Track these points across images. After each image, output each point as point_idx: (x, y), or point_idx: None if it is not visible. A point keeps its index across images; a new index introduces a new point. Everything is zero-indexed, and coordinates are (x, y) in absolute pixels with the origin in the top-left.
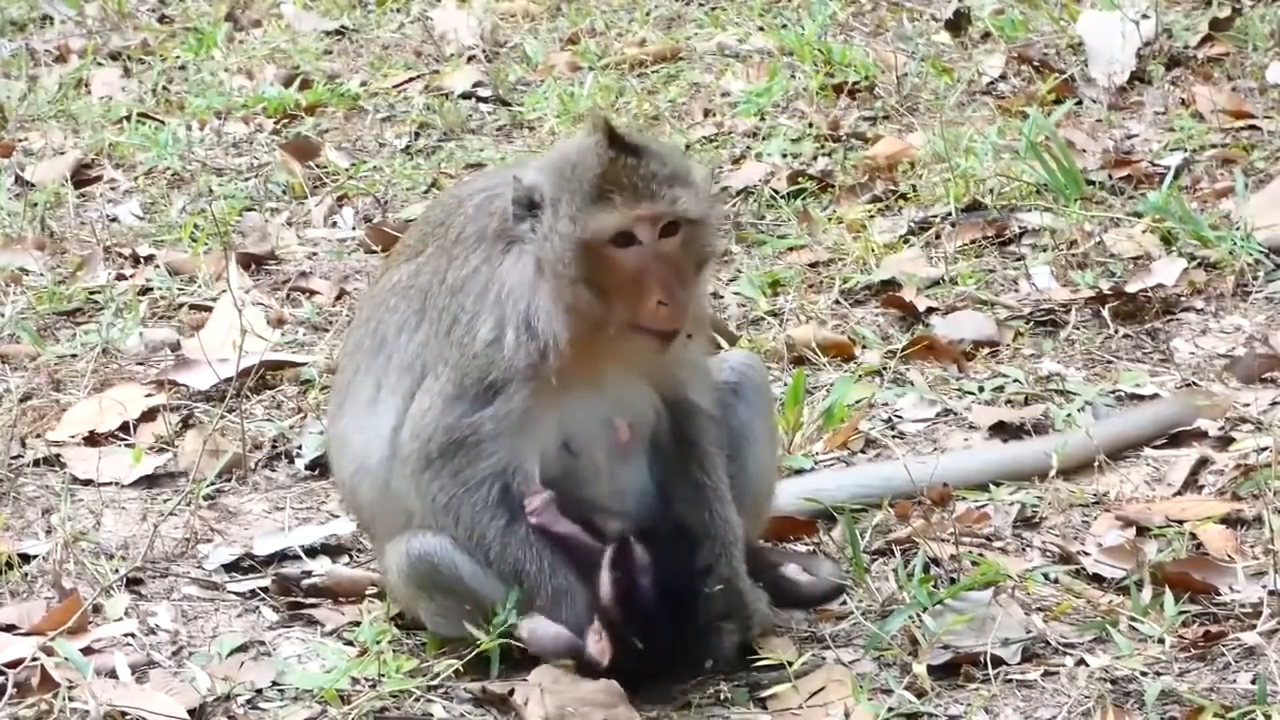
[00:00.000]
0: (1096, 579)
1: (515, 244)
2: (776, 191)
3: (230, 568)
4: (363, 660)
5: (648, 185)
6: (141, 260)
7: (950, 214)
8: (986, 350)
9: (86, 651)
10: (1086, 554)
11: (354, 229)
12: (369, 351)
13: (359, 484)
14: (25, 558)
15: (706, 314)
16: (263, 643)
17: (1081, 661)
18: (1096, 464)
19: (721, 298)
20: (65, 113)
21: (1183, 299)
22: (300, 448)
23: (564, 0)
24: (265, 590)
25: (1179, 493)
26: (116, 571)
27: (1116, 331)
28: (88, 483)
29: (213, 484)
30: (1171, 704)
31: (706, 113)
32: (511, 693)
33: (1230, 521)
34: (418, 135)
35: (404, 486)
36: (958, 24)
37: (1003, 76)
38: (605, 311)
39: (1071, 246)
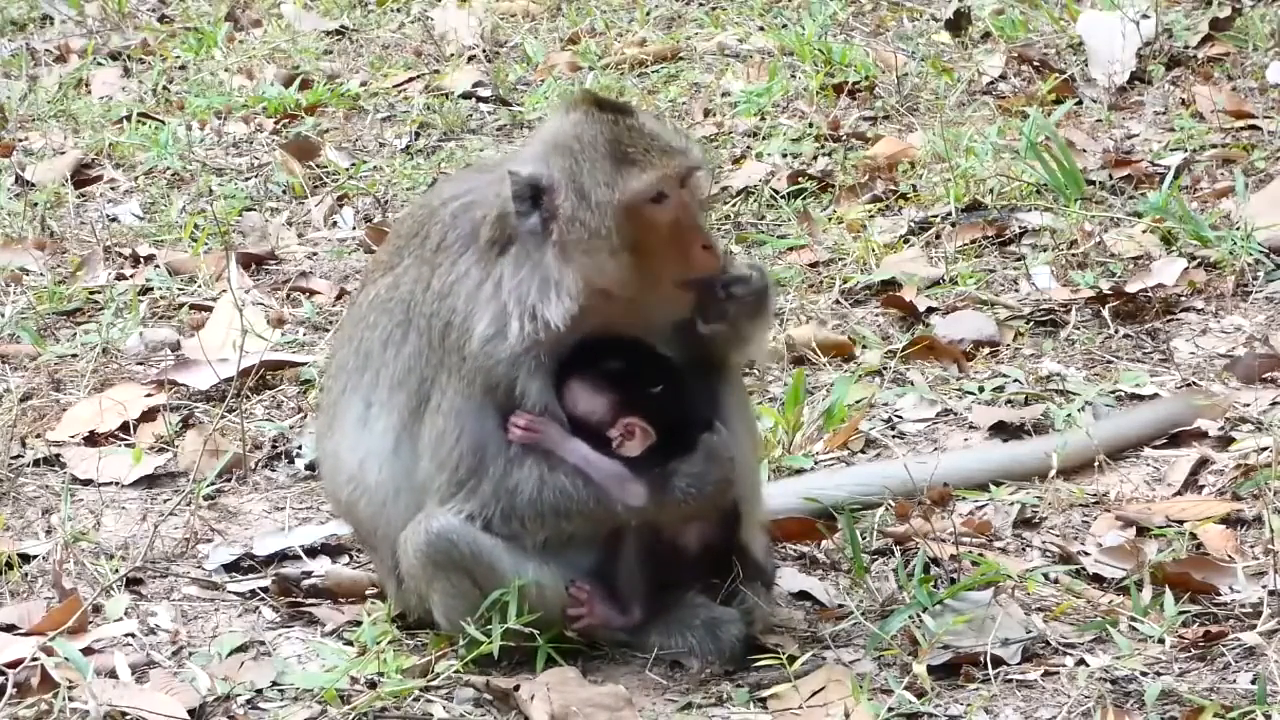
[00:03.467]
0: (1096, 579)
1: (512, 245)
2: (776, 191)
3: (230, 568)
4: (363, 660)
5: (666, 141)
6: (141, 260)
7: (950, 214)
8: (986, 350)
9: (86, 651)
10: (1086, 554)
11: (354, 229)
12: (354, 370)
13: (356, 500)
14: (25, 558)
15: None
16: (263, 643)
17: (1081, 661)
18: (1096, 464)
19: None
20: (65, 113)
21: (1183, 299)
22: (300, 448)
23: (564, 0)
24: (265, 590)
25: (1179, 493)
26: (116, 571)
27: (1116, 331)
28: (88, 483)
29: (213, 484)
30: (1171, 704)
31: (706, 113)
32: (517, 688)
33: (1230, 521)
34: (418, 135)
35: (434, 508)
36: (958, 24)
37: (1003, 76)
38: (654, 272)
39: (1071, 246)
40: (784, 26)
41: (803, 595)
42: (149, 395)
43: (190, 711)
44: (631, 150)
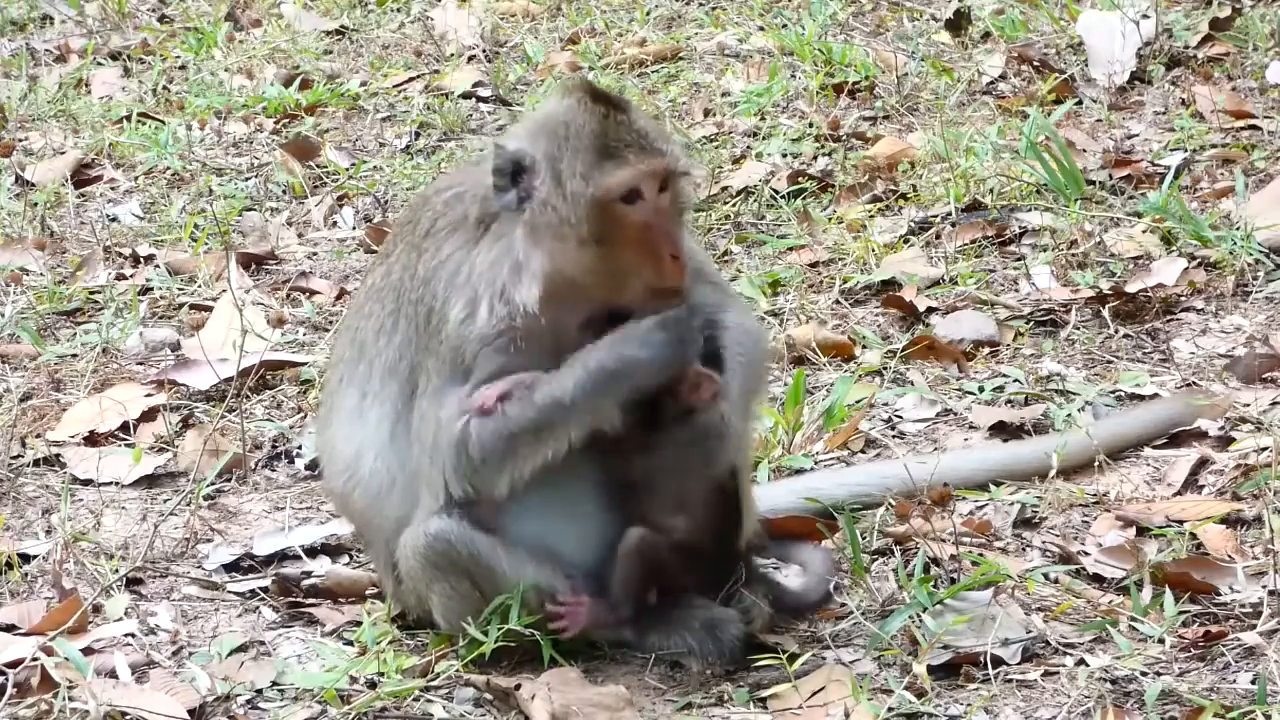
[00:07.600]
0: (1096, 579)
1: (494, 224)
2: (776, 191)
3: (230, 568)
4: (363, 660)
5: (651, 141)
6: (141, 260)
7: (950, 214)
8: (986, 350)
9: (86, 651)
10: (1086, 554)
11: (354, 229)
12: (350, 361)
13: (350, 491)
14: (25, 558)
15: (705, 259)
16: (263, 643)
17: (1081, 661)
18: (1096, 464)
19: None
20: (65, 113)
21: (1183, 299)
22: (300, 448)
23: (564, 0)
24: (265, 590)
25: (1179, 493)
26: (116, 571)
27: (1116, 331)
28: (88, 483)
29: (213, 484)
30: (1171, 704)
31: (706, 113)
32: (518, 688)
33: (1230, 521)
34: (418, 135)
35: (430, 501)
36: (958, 24)
37: (1003, 76)
38: (619, 270)
39: (1071, 246)
40: (784, 26)
41: None
42: (149, 395)
43: (190, 711)
44: (614, 145)
